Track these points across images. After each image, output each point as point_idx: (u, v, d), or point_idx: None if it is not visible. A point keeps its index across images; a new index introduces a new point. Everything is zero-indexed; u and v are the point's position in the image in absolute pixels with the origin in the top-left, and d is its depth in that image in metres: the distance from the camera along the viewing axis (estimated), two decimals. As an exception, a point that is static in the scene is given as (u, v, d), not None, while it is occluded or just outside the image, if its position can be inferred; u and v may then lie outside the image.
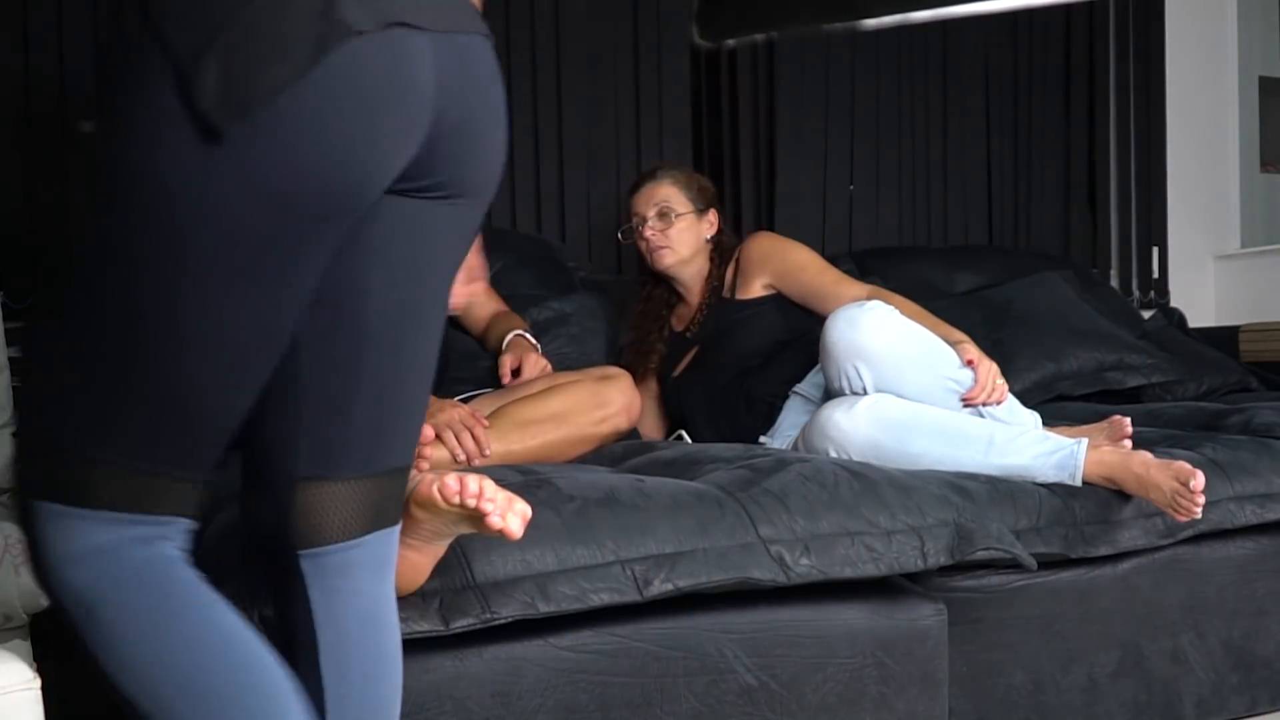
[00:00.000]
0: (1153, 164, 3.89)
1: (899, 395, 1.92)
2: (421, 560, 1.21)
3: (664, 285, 2.50)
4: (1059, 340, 2.83)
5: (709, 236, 2.42)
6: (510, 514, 1.09)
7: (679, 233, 2.36)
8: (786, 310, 2.33)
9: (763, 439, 2.18)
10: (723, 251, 2.43)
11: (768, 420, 2.20)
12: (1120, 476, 1.83)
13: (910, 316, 2.08)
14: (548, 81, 3.06)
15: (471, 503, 1.09)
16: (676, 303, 2.51)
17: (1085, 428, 2.08)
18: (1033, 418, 2.09)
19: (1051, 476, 1.84)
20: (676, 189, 2.40)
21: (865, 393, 1.93)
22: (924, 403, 1.93)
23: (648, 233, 2.37)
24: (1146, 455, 1.83)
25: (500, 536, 1.11)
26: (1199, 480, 1.74)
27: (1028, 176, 3.72)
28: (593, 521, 1.33)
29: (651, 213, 2.37)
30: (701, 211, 2.41)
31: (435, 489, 1.10)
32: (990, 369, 2.02)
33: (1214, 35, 4.04)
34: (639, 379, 2.36)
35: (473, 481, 1.09)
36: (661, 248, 2.36)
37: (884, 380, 1.92)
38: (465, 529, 1.16)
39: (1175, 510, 1.78)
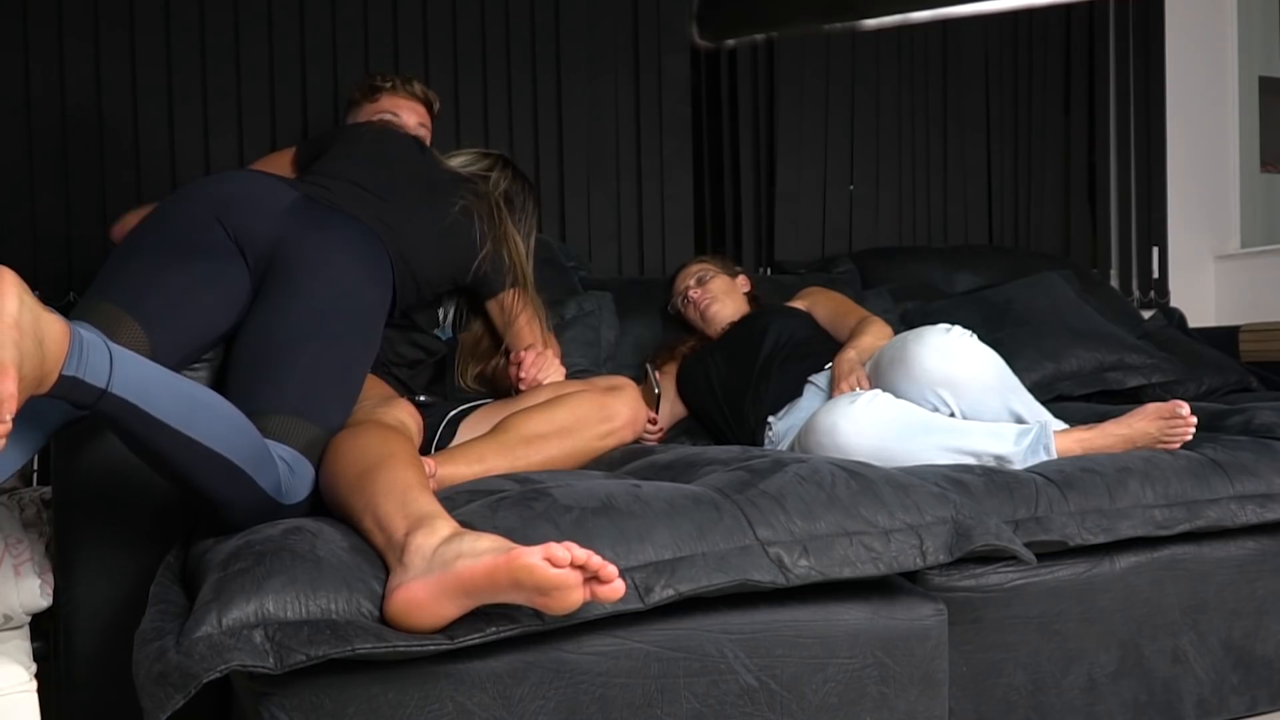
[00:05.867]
0: (1153, 164, 3.89)
1: (979, 418, 2.04)
2: (453, 614, 1.20)
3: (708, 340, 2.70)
4: (1059, 340, 2.82)
5: (745, 291, 2.77)
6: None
7: (717, 287, 2.71)
8: (818, 325, 2.59)
9: (770, 419, 2.31)
10: (760, 303, 2.74)
11: (781, 403, 2.33)
12: (1101, 443, 1.98)
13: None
14: (548, 81, 3.06)
15: (583, 558, 1.12)
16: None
17: (1133, 411, 2.05)
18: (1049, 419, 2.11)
19: (1030, 459, 1.93)
20: (708, 263, 2.80)
21: (952, 416, 2.05)
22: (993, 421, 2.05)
23: (692, 294, 2.70)
24: (1116, 419, 2.01)
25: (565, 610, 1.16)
26: (1185, 406, 1.96)
27: (1028, 176, 3.73)
28: (591, 532, 1.32)
29: (691, 281, 2.74)
30: (733, 275, 2.79)
31: (542, 557, 1.11)
32: (850, 376, 2.20)
33: (1214, 35, 4.04)
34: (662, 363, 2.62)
35: (579, 549, 1.13)
36: (706, 300, 2.68)
37: (967, 404, 2.05)
38: (518, 600, 1.17)
39: (1167, 442, 1.97)
